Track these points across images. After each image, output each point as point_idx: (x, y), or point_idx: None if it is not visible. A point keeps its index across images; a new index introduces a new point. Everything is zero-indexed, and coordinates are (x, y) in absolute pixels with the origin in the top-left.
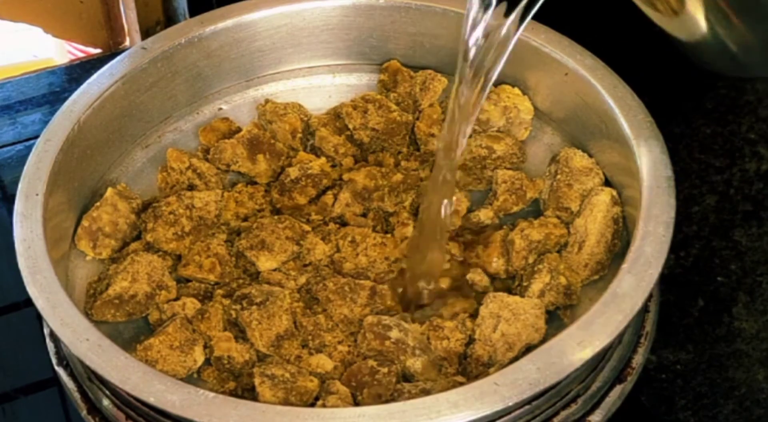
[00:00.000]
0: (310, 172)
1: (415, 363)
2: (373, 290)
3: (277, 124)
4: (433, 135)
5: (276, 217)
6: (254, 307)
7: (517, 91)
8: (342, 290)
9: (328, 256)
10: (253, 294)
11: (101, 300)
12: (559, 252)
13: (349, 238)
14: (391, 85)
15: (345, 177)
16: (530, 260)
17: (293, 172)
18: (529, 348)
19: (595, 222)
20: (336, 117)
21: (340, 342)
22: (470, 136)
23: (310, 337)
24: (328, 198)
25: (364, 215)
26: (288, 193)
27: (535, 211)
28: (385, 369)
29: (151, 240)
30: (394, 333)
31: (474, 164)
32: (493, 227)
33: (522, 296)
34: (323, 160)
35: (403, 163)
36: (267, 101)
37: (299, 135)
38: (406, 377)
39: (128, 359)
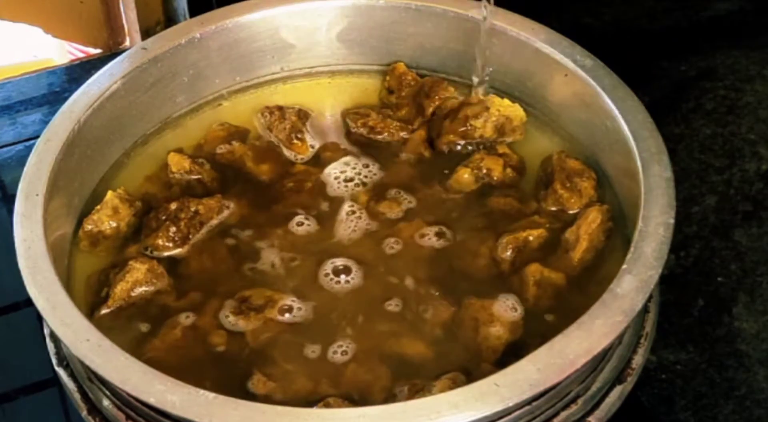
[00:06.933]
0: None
1: (412, 344)
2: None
3: (284, 147)
4: (421, 154)
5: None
6: (252, 312)
7: (506, 102)
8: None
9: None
10: (252, 297)
11: (100, 313)
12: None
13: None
14: (395, 88)
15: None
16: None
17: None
18: (513, 346)
19: (587, 232)
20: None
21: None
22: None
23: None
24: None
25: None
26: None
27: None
28: (378, 367)
29: (151, 244)
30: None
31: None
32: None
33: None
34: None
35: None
36: (269, 110)
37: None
38: (405, 364)
39: (128, 359)
